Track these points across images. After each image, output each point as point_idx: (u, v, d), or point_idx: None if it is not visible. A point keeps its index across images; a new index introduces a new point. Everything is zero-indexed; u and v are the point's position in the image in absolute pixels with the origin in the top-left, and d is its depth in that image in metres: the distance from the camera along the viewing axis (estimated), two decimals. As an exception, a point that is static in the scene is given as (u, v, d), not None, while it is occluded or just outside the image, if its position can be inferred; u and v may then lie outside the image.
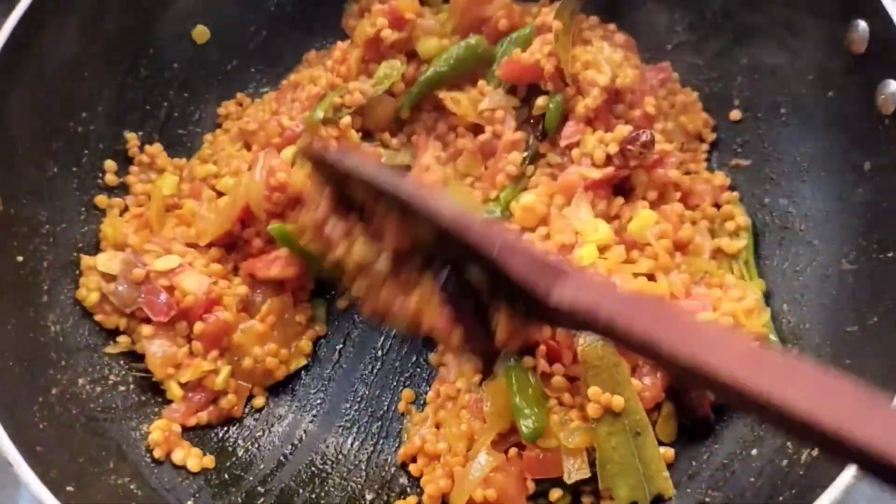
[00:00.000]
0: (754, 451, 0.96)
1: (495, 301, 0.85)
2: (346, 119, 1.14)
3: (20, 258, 1.02)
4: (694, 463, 0.98)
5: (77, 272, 1.08)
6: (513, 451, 0.97)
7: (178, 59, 1.23)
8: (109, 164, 1.16)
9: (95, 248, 1.12)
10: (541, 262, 0.79)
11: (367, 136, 1.20)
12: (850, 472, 0.77)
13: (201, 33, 1.24)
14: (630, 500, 0.93)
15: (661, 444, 0.96)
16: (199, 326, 1.05)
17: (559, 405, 0.97)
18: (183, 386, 1.06)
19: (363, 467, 1.04)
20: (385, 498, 1.02)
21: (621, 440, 0.92)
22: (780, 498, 0.86)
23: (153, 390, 1.07)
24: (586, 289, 0.76)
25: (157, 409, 1.06)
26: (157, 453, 1.01)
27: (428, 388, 1.07)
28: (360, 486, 1.03)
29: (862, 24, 1.01)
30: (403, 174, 1.05)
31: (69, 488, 0.85)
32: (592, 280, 0.77)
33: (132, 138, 1.19)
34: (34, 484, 0.81)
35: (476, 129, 1.19)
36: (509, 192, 1.12)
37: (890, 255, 0.95)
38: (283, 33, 1.30)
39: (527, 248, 0.82)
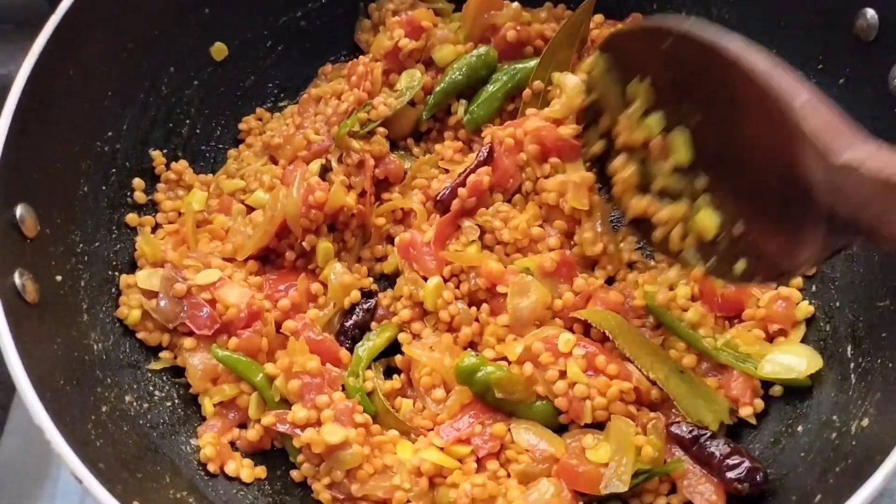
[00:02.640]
0: (800, 428, 0.99)
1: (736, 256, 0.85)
2: (381, 130, 1.18)
3: (59, 277, 1.02)
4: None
5: (113, 290, 1.09)
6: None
7: (198, 77, 1.24)
8: (137, 182, 1.17)
9: (129, 266, 1.12)
10: (840, 122, 0.75)
11: (392, 145, 1.22)
12: (907, 437, 0.79)
13: (219, 50, 1.25)
14: (716, 420, 0.99)
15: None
16: (233, 342, 1.05)
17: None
18: (217, 403, 1.06)
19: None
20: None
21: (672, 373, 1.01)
22: (837, 469, 0.88)
23: (198, 404, 1.07)
24: (885, 151, 0.71)
25: (202, 423, 1.06)
26: (211, 468, 1.01)
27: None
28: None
29: (871, 12, 1.04)
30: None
31: (135, 503, 0.85)
32: (892, 148, 0.72)
33: (157, 156, 1.19)
34: (106, 499, 0.80)
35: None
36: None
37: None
38: (297, 47, 1.32)
39: (829, 106, 0.77)
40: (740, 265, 0.88)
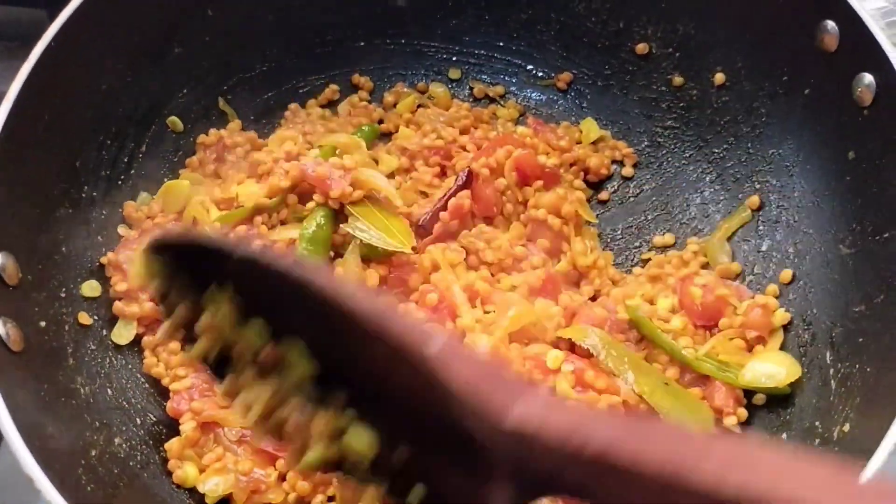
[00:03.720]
0: (784, 436, 1.00)
1: (411, 480, 0.65)
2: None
3: (43, 323, 1.02)
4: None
5: (102, 332, 1.10)
6: None
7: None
8: (122, 228, 1.18)
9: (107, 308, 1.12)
10: (495, 372, 0.58)
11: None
12: (889, 441, 0.81)
13: (174, 122, 1.26)
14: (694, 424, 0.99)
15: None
16: None
17: None
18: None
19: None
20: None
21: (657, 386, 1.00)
22: (821, 475, 0.89)
23: (188, 442, 1.07)
24: (561, 408, 0.54)
25: (193, 461, 1.06)
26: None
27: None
28: None
29: (831, 24, 1.06)
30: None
31: (130, 547, 0.85)
32: (567, 401, 0.59)
33: (130, 204, 1.20)
34: (99, 544, 0.80)
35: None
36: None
37: (886, 235, 1.00)
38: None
39: (476, 355, 0.62)
40: (418, 490, 0.66)
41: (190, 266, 0.75)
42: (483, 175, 1.18)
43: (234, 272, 0.70)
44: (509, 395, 0.54)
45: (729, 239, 1.20)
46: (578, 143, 1.31)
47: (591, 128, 1.32)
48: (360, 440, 0.68)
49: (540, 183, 1.20)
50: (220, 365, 0.78)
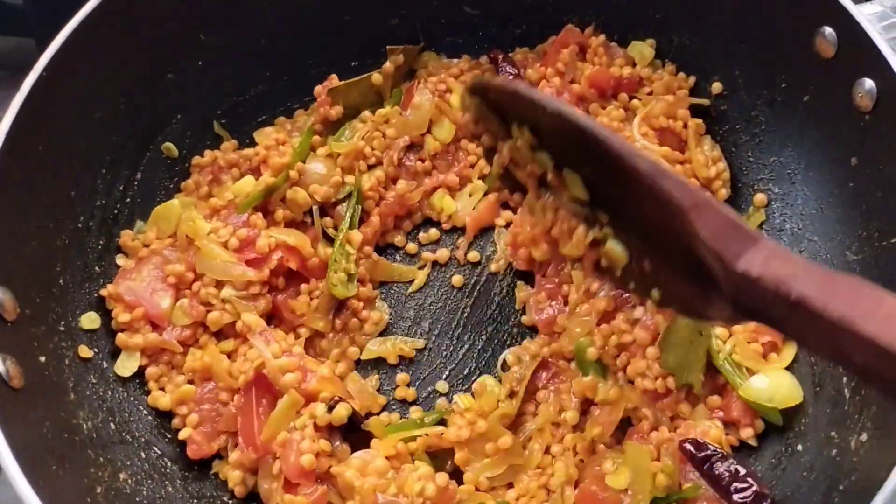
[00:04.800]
0: (800, 447, 0.99)
1: (648, 287, 0.85)
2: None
3: (43, 358, 1.00)
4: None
5: (103, 365, 1.08)
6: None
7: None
8: (120, 258, 1.16)
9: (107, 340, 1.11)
10: (734, 225, 0.73)
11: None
12: (911, 450, 0.80)
13: (169, 149, 1.25)
14: (671, 370, 1.03)
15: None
16: None
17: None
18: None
19: None
20: None
21: (690, 323, 1.04)
22: (841, 487, 0.88)
23: (195, 478, 1.06)
24: (781, 259, 0.69)
25: (200, 495, 1.04)
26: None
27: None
28: None
29: (829, 30, 1.06)
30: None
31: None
32: (785, 251, 0.72)
33: (126, 234, 1.18)
34: (108, 586, 0.78)
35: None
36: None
37: (893, 240, 1.00)
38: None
39: (722, 209, 0.75)
40: (655, 294, 0.87)
41: (499, 106, 0.95)
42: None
43: (538, 118, 0.89)
44: (743, 245, 0.71)
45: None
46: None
47: (642, 50, 1.29)
48: (616, 249, 0.89)
49: (624, 96, 1.24)
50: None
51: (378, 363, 1.17)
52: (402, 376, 1.16)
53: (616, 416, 1.04)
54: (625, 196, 0.82)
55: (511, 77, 1.26)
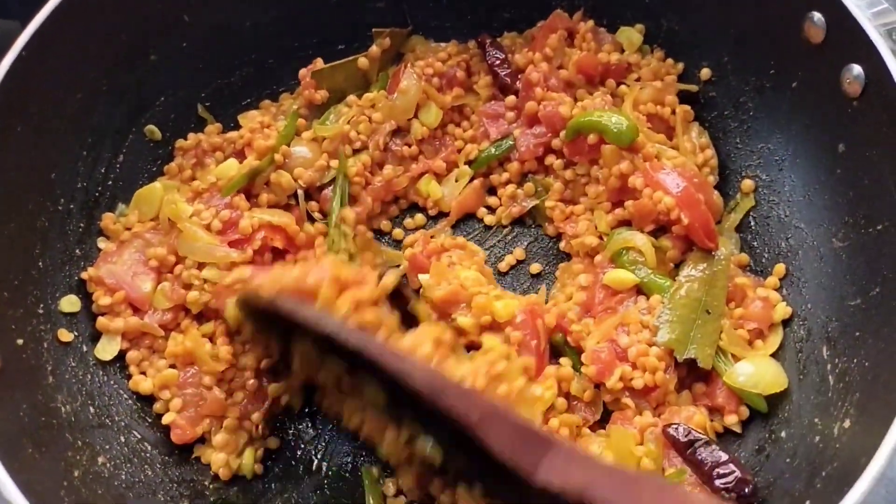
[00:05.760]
0: (783, 433, 0.99)
1: (465, 478, 0.81)
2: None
3: (20, 341, 0.99)
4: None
5: (83, 349, 1.07)
6: None
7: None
8: (101, 241, 1.15)
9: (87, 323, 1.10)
10: (526, 434, 0.72)
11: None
12: (892, 438, 0.79)
13: (152, 131, 1.23)
14: (667, 344, 1.02)
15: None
16: None
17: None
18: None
19: None
20: None
21: (692, 303, 1.04)
22: (824, 473, 0.88)
23: (175, 462, 1.05)
24: (577, 465, 0.70)
25: (180, 479, 1.04)
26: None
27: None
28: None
29: (817, 16, 1.05)
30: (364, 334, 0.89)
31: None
32: (581, 454, 0.72)
33: (108, 216, 1.17)
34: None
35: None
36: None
37: (879, 227, 0.99)
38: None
39: (511, 417, 0.74)
40: (478, 488, 0.85)
41: (275, 319, 0.92)
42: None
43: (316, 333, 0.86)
44: (538, 453, 0.70)
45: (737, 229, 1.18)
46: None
47: (631, 36, 1.28)
48: (427, 446, 0.85)
49: (612, 82, 1.23)
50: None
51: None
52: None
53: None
54: (420, 404, 0.78)
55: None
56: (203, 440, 1.07)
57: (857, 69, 1.01)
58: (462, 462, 0.82)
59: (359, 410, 0.94)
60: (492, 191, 1.27)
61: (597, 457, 0.74)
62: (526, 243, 1.24)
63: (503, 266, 1.22)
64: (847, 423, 0.90)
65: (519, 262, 1.23)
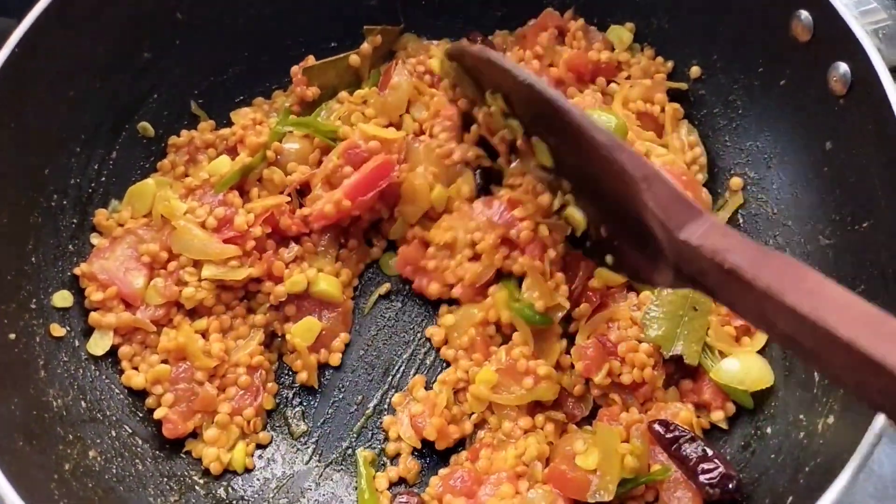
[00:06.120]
0: (769, 429, 1.00)
1: (604, 252, 0.92)
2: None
3: (12, 336, 1.00)
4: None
5: (75, 343, 1.08)
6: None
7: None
8: (94, 237, 1.16)
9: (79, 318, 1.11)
10: (680, 198, 0.80)
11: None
12: (872, 433, 0.80)
13: (146, 128, 1.24)
14: (654, 341, 1.04)
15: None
16: None
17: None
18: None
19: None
20: None
21: (679, 299, 1.06)
22: (807, 469, 0.88)
23: (166, 457, 1.06)
24: (719, 232, 0.76)
25: (171, 473, 1.04)
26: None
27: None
28: None
29: (805, 14, 1.06)
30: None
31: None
32: (724, 226, 0.78)
33: (101, 213, 1.17)
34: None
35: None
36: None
37: (865, 225, 1.00)
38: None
39: (670, 182, 0.82)
40: (609, 259, 0.96)
41: (475, 73, 1.05)
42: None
43: (510, 87, 0.98)
44: (686, 216, 0.78)
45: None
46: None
47: (621, 34, 1.29)
48: (576, 215, 0.99)
49: (602, 80, 1.25)
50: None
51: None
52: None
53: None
54: (585, 165, 0.89)
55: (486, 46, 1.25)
56: (195, 435, 1.08)
57: (843, 67, 1.01)
58: (604, 230, 0.94)
59: (520, 174, 1.06)
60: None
61: (737, 233, 0.78)
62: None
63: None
64: (831, 419, 0.91)
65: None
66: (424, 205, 1.18)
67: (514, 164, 1.07)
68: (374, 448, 1.09)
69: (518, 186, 1.07)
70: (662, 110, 1.22)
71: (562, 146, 0.96)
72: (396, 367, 1.15)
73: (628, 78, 1.26)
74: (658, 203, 0.80)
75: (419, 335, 1.17)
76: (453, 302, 1.15)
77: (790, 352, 1.04)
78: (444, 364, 1.13)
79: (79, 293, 1.11)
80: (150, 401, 1.09)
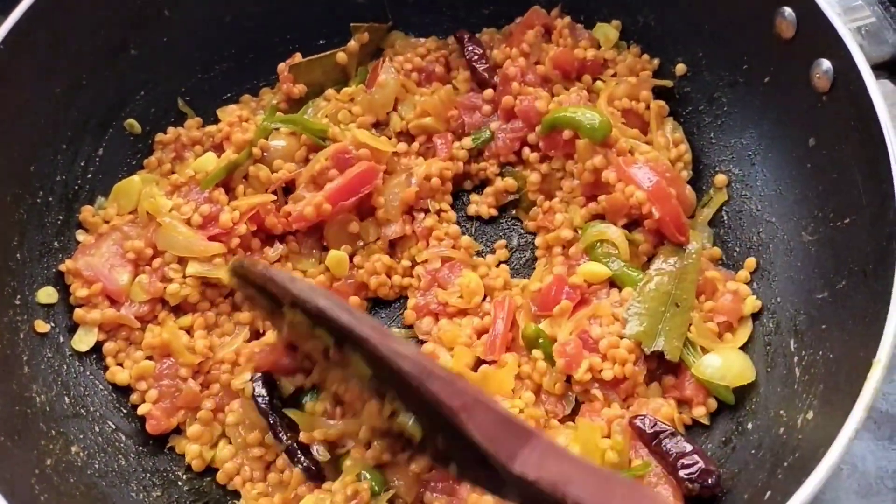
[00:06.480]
0: (750, 425, 1.00)
1: (442, 458, 0.83)
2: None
3: (-5, 332, 1.00)
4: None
5: (59, 340, 1.08)
6: None
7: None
8: (80, 233, 1.16)
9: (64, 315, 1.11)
10: (506, 423, 0.73)
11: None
12: (850, 428, 0.80)
13: (132, 125, 1.24)
14: (636, 337, 1.04)
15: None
16: None
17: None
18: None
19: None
20: None
21: (661, 296, 1.06)
22: (785, 464, 0.88)
23: (149, 453, 1.06)
24: (554, 458, 0.70)
25: (154, 469, 1.05)
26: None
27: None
28: None
29: (788, 11, 1.06)
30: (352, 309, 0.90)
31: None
32: (559, 448, 0.72)
33: (87, 209, 1.18)
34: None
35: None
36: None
37: (846, 221, 1.00)
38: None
39: (493, 406, 0.75)
40: (453, 468, 0.84)
41: (267, 287, 0.96)
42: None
43: (305, 309, 0.89)
44: (517, 444, 0.71)
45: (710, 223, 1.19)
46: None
47: (607, 32, 1.29)
48: (408, 424, 0.86)
49: (588, 77, 1.25)
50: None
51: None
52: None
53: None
54: (404, 385, 0.80)
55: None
56: (178, 431, 1.09)
57: (826, 64, 1.02)
58: (441, 442, 0.83)
59: (342, 381, 0.96)
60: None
61: (574, 454, 0.73)
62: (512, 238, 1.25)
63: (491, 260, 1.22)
64: (810, 415, 0.91)
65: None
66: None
67: (332, 373, 0.97)
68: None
69: (344, 393, 0.98)
70: (648, 107, 1.22)
71: (377, 365, 0.84)
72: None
73: (614, 75, 1.26)
74: (483, 434, 0.72)
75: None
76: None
77: (770, 348, 1.04)
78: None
79: (64, 289, 1.12)
80: (134, 397, 1.09)
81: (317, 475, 1.02)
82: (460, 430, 0.74)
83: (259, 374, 1.06)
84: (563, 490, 0.66)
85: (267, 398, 1.04)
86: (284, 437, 1.02)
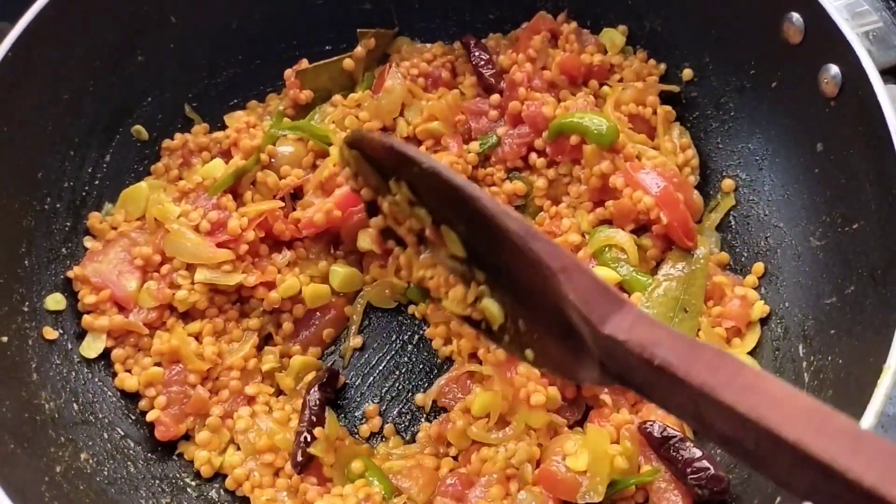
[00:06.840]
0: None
1: (523, 347, 0.84)
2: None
3: (5, 338, 1.00)
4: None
5: (67, 346, 1.08)
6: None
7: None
8: (88, 240, 1.16)
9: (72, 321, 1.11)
10: (602, 289, 0.73)
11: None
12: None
13: (139, 131, 1.24)
14: None
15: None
16: None
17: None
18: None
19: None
20: None
21: (670, 301, 1.06)
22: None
23: (158, 459, 1.06)
24: (646, 325, 0.69)
25: (162, 475, 1.05)
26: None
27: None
28: None
29: (796, 16, 1.06)
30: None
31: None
32: (650, 318, 0.72)
33: (95, 216, 1.18)
34: (60, 563, 0.79)
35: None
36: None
37: (855, 226, 1.00)
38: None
39: (590, 271, 0.76)
40: (529, 353, 0.86)
41: (377, 160, 0.96)
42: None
43: (415, 174, 0.90)
44: (610, 309, 0.71)
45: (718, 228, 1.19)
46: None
47: (614, 37, 1.29)
48: (492, 308, 0.88)
49: (595, 82, 1.25)
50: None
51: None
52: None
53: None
54: (500, 255, 0.82)
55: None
56: (187, 437, 1.09)
57: (834, 69, 1.01)
58: (522, 325, 0.85)
59: (430, 266, 0.97)
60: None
61: (664, 325, 0.72)
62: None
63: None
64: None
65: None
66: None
67: (423, 256, 0.98)
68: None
69: (430, 279, 0.97)
70: (654, 113, 1.22)
71: (473, 235, 0.88)
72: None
73: (621, 80, 1.26)
74: (579, 296, 0.73)
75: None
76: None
77: (779, 353, 1.04)
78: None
79: (72, 296, 1.12)
80: (142, 403, 1.09)
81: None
82: (554, 294, 0.75)
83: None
84: (651, 351, 0.66)
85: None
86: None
